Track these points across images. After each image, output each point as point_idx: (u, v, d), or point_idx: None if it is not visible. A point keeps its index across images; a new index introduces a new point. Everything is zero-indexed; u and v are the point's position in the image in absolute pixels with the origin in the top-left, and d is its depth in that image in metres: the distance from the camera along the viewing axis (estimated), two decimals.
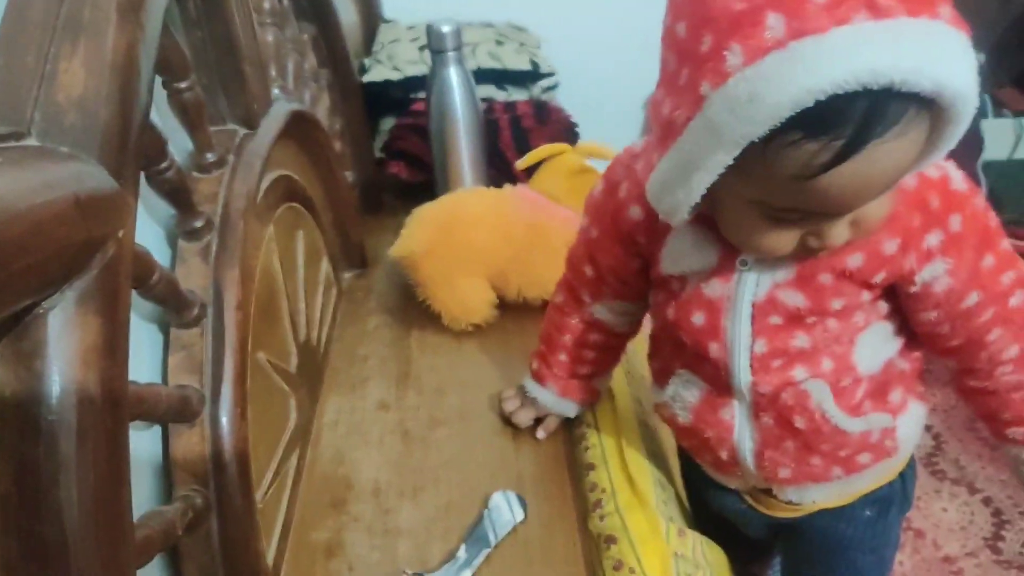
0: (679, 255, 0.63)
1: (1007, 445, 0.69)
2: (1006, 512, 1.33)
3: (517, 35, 1.54)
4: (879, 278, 0.58)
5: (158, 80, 0.61)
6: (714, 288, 0.61)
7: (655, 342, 0.74)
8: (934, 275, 0.58)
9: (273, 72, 0.90)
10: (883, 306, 0.62)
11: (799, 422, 0.63)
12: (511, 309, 1.03)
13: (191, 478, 0.59)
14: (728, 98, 0.42)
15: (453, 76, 1.11)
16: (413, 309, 1.05)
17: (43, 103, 0.43)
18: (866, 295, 0.59)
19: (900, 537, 0.82)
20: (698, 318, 0.63)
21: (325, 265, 1.03)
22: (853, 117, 0.41)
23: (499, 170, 1.29)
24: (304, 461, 0.82)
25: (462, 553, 0.70)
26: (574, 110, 1.39)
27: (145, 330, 0.61)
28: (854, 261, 0.57)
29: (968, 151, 1.79)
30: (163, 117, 0.65)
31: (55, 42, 0.45)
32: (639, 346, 0.83)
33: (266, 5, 0.92)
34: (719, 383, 0.65)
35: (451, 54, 1.10)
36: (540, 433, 0.83)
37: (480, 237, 1.01)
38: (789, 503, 0.73)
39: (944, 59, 0.41)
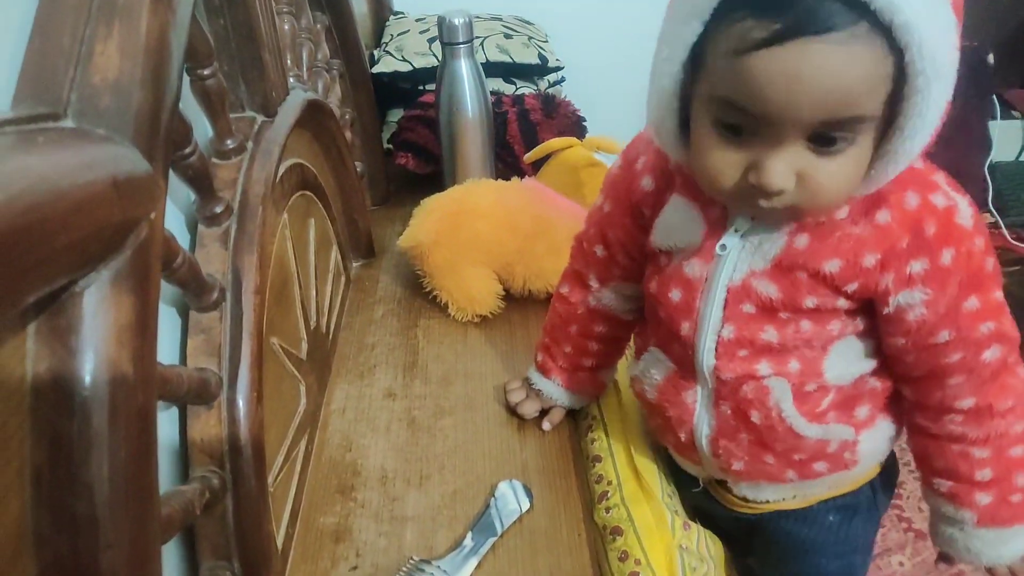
0: (670, 228, 0.64)
1: (931, 495, 0.69)
2: None
3: (525, 29, 1.55)
4: (852, 288, 0.58)
5: None
6: (694, 268, 0.63)
7: (644, 318, 0.75)
8: (910, 302, 0.57)
9: (289, 61, 0.91)
10: (861, 321, 0.62)
11: (755, 417, 0.64)
12: (516, 301, 1.05)
13: (208, 459, 0.59)
14: None
15: (464, 68, 1.12)
16: (420, 299, 1.06)
17: (79, 85, 0.44)
18: (841, 302, 0.59)
19: (873, 543, 0.80)
20: (675, 294, 0.64)
21: (335, 253, 1.04)
22: (797, 6, 0.44)
23: (507, 163, 1.30)
24: (312, 446, 0.83)
25: (468, 541, 0.71)
26: (581, 104, 1.39)
27: (164, 313, 0.62)
28: (831, 265, 0.57)
29: (976, 152, 1.80)
30: (183, 103, 0.66)
31: (90, 24, 0.46)
32: None
33: None
34: (685, 364, 0.66)
35: (462, 47, 1.11)
36: (545, 425, 0.84)
37: (487, 229, 1.01)
38: (744, 499, 0.74)
39: None
